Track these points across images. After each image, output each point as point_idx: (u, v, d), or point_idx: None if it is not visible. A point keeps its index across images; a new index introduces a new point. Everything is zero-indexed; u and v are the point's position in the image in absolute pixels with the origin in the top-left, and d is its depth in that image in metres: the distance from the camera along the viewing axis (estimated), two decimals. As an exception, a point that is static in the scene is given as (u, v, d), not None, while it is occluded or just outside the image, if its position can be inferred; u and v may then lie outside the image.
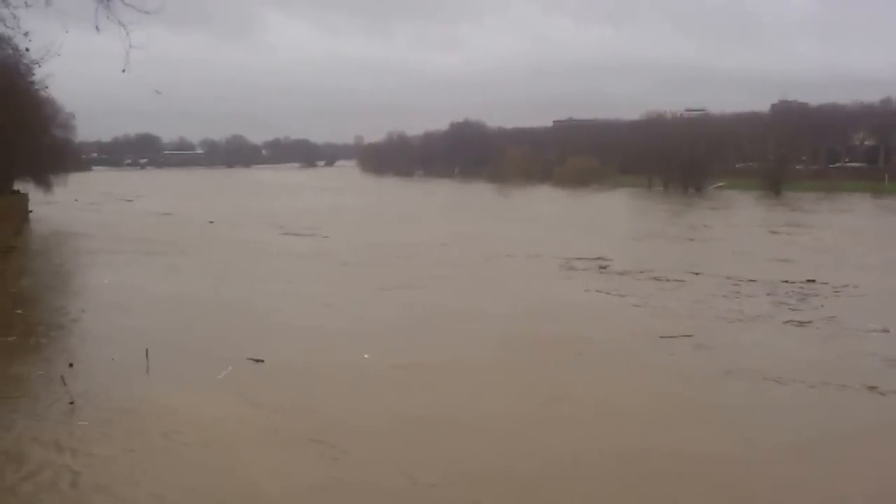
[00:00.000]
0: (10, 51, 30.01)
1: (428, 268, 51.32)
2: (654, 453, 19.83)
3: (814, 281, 44.12)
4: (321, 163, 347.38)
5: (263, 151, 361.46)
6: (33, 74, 45.25)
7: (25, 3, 17.59)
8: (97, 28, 16.35)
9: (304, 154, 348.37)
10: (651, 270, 48.82)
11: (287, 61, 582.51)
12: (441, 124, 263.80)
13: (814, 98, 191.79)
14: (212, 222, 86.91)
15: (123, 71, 17.56)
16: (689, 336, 31.48)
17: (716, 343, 30.85)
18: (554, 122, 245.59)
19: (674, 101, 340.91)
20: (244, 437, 20.99)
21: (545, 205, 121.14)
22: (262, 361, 27.85)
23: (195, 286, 45.02)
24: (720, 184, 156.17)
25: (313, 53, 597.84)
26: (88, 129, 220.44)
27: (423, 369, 27.40)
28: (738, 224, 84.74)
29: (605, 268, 50.74)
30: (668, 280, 45.82)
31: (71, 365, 27.53)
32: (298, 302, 40.26)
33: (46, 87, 60.30)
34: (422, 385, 25.64)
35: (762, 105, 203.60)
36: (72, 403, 23.36)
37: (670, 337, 31.38)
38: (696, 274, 47.65)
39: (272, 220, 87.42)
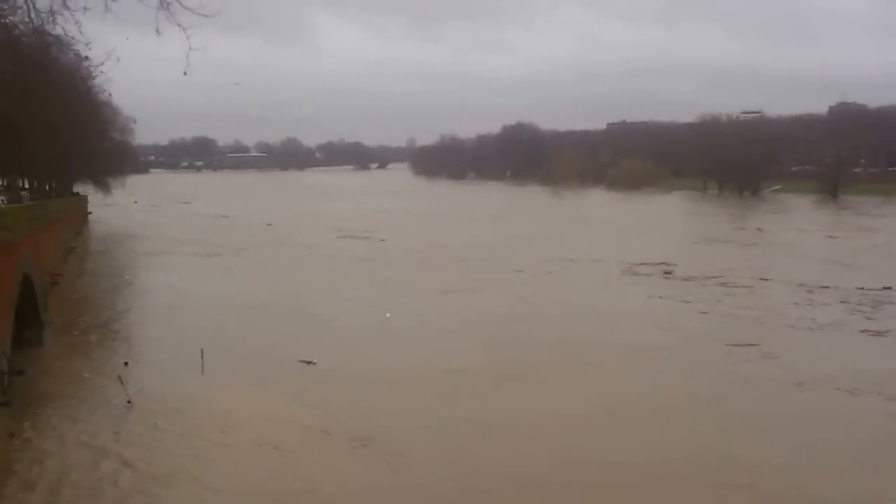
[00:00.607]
0: (72, 55, 30.17)
1: (487, 271, 50.50)
2: (718, 465, 19.11)
3: (890, 288, 42.32)
4: (374, 165, 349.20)
5: (317, 154, 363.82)
6: (93, 78, 45.62)
7: (84, 7, 17.59)
8: (157, 32, 16.30)
9: (357, 156, 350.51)
10: (717, 276, 47.47)
11: (337, 65, 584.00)
12: (492, 126, 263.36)
13: (873, 99, 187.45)
14: (269, 225, 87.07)
15: (185, 73, 17.57)
16: (756, 345, 30.33)
17: (786, 352, 29.60)
18: (607, 124, 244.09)
19: (727, 103, 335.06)
20: (296, 439, 20.78)
21: (601, 208, 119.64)
22: (314, 363, 27.76)
23: (251, 288, 45.17)
24: (776, 187, 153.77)
25: (362, 56, 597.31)
26: (146, 133, 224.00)
27: (477, 373, 26.94)
28: (801, 228, 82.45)
29: (669, 273, 49.45)
30: (735, 286, 44.43)
31: (126, 364, 27.77)
32: (353, 305, 40.00)
33: (109, 94, 60.78)
34: (475, 389, 25.18)
35: (820, 107, 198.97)
36: (129, 402, 23.49)
37: (737, 345, 30.31)
38: (765, 280, 46.18)
39: (329, 222, 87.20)
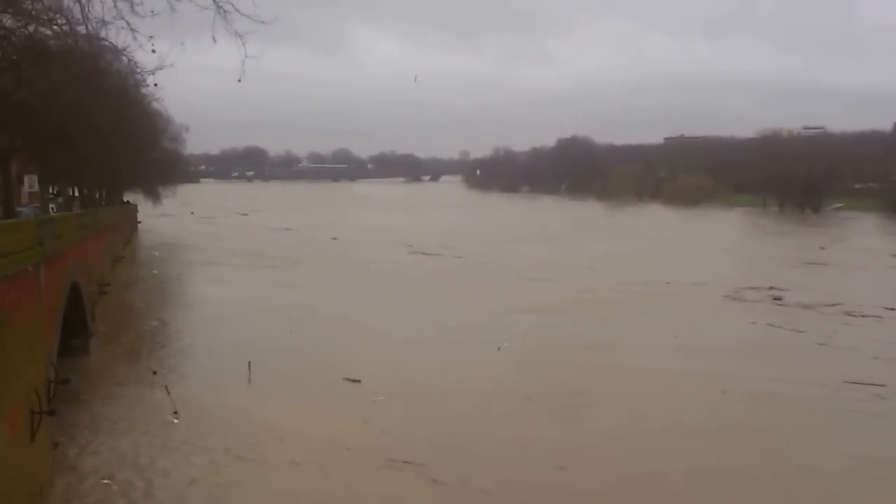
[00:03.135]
0: (125, 62, 30.11)
1: (576, 292, 47.37)
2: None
3: None
4: (426, 177, 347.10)
5: (369, 165, 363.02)
6: (146, 86, 45.53)
7: (152, 12, 17.68)
8: (214, 39, 16.38)
9: (410, 169, 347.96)
10: (837, 303, 43.24)
11: (380, 76, 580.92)
12: (544, 139, 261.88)
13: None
14: (335, 239, 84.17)
15: (239, 81, 17.51)
16: (881, 385, 27.29)
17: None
18: (665, 138, 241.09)
19: (784, 119, 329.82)
20: (345, 459, 20.09)
21: (671, 224, 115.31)
22: (359, 382, 26.87)
23: (313, 304, 43.47)
24: (838, 205, 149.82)
25: (404, 67, 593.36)
26: (197, 142, 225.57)
27: (542, 401, 25.35)
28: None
29: (779, 299, 45.56)
30: (855, 315, 40.38)
31: (154, 372, 27.70)
32: (421, 324, 38.10)
33: (160, 100, 60.68)
34: (543, 418, 23.80)
35: (885, 123, 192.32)
36: (175, 413, 23.15)
37: (858, 383, 27.45)
38: (891, 309, 41.79)
39: (396, 237, 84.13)
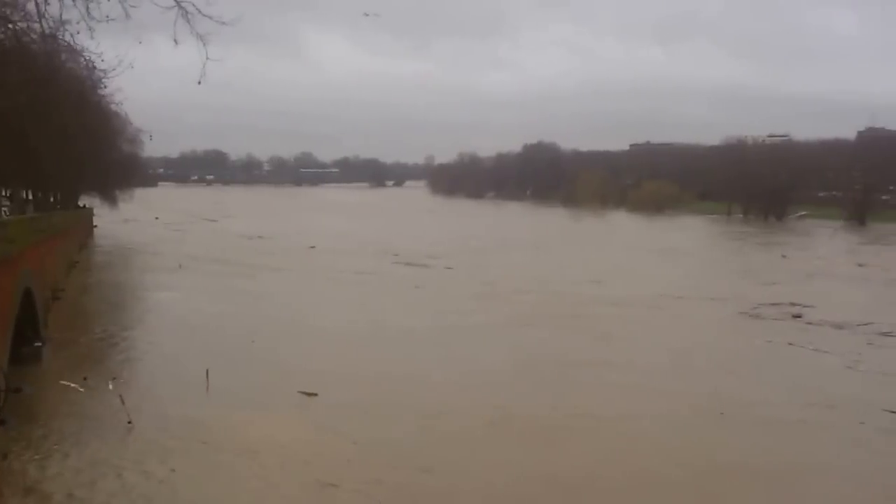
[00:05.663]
0: (82, 63, 29.57)
1: (578, 306, 45.67)
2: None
3: None
4: (390, 183, 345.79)
5: (332, 170, 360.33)
6: (103, 87, 44.59)
7: (107, 17, 17.40)
8: (175, 41, 16.37)
9: (374, 174, 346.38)
10: (867, 322, 40.49)
11: (336, 79, 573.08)
12: (503, 142, 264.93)
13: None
14: (313, 247, 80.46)
15: (199, 83, 17.41)
16: None
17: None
18: (630, 145, 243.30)
19: (737, 124, 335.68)
20: (304, 472, 19.51)
21: (649, 232, 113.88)
22: (316, 395, 25.97)
23: (287, 317, 41.51)
24: (802, 213, 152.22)
25: (356, 70, 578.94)
26: (156, 144, 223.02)
27: (528, 420, 24.06)
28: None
29: (799, 316, 43.10)
30: (886, 335, 37.87)
31: (85, 378, 26.77)
32: (400, 339, 36.49)
33: (120, 103, 59.36)
34: (527, 438, 22.63)
35: (849, 132, 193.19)
36: (129, 423, 22.42)
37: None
38: None
39: (377, 246, 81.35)
